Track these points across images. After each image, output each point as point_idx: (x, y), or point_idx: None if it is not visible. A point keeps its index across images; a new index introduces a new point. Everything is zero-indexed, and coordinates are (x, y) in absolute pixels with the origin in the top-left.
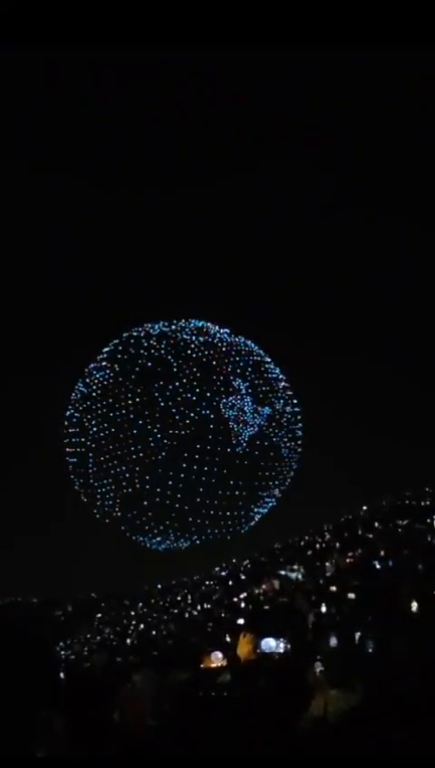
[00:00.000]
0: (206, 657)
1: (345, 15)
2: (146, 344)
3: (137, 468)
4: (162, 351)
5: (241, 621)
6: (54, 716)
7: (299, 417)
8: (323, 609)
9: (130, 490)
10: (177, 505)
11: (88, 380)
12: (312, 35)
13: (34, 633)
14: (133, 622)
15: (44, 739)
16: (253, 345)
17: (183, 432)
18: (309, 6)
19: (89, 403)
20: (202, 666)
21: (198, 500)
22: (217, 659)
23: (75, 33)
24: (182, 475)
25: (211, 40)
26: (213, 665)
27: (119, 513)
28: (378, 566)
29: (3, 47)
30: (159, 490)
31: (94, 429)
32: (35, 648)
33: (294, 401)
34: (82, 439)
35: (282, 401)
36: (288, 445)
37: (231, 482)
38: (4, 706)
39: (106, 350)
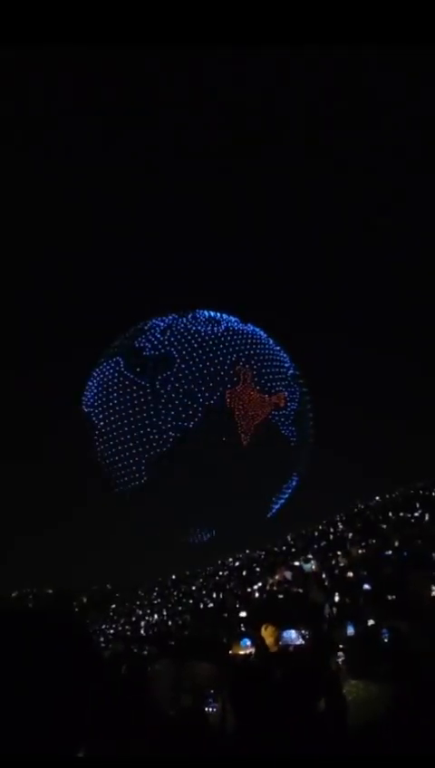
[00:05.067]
0: (235, 644)
1: (345, 15)
2: (152, 337)
3: (143, 461)
4: (167, 343)
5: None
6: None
7: (309, 407)
8: (337, 598)
9: (138, 483)
10: (188, 497)
11: (96, 374)
12: (311, 36)
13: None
14: (148, 611)
15: (85, 736)
16: (262, 333)
17: (188, 423)
18: (308, 6)
19: (97, 398)
20: (230, 652)
21: (210, 491)
22: (246, 647)
23: (76, 34)
24: (191, 467)
25: (211, 41)
26: (241, 652)
27: (130, 497)
28: (391, 556)
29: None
30: (168, 482)
31: (102, 423)
32: (78, 637)
33: (304, 390)
34: (94, 434)
35: (289, 389)
36: (296, 434)
37: (242, 472)
38: (44, 702)
39: (115, 343)
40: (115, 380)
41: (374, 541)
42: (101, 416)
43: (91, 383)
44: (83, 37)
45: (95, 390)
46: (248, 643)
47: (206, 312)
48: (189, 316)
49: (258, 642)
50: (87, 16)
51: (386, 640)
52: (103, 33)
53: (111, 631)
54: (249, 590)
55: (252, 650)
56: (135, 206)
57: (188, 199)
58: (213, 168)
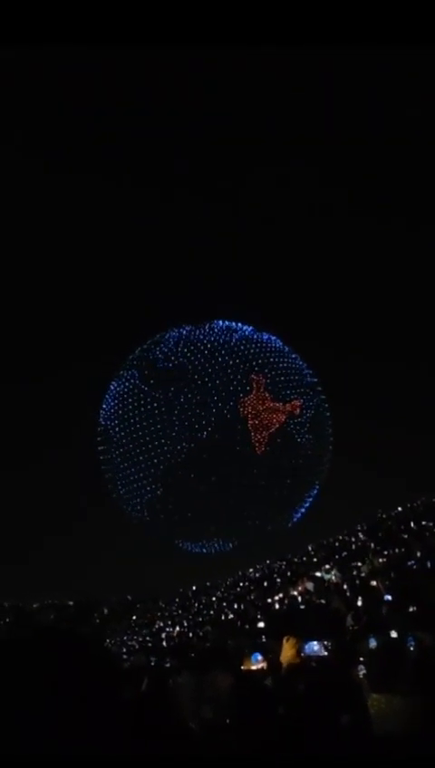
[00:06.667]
0: (245, 660)
1: (345, 15)
2: (165, 348)
3: (158, 473)
4: (180, 354)
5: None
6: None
7: (328, 415)
8: (359, 609)
9: (153, 495)
10: (204, 508)
11: (113, 387)
12: (311, 37)
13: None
14: (169, 622)
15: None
16: (278, 341)
17: (201, 434)
18: (308, 7)
19: (113, 410)
20: (243, 668)
21: (227, 501)
22: (256, 662)
23: (75, 35)
24: (212, 478)
25: (211, 42)
26: (253, 667)
27: (148, 518)
28: (414, 566)
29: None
30: (183, 493)
31: (118, 436)
32: (97, 654)
33: (322, 397)
34: (110, 446)
35: (305, 397)
36: (313, 442)
37: (260, 482)
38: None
39: (132, 356)
40: (130, 393)
41: (396, 551)
42: (117, 428)
43: (108, 396)
44: (85, 39)
45: (112, 403)
46: (260, 658)
47: (221, 322)
48: (206, 327)
49: (271, 656)
50: (87, 17)
51: (411, 649)
52: (104, 35)
53: (132, 643)
54: (269, 600)
55: (263, 665)
56: (158, 218)
57: (207, 208)
58: (230, 175)
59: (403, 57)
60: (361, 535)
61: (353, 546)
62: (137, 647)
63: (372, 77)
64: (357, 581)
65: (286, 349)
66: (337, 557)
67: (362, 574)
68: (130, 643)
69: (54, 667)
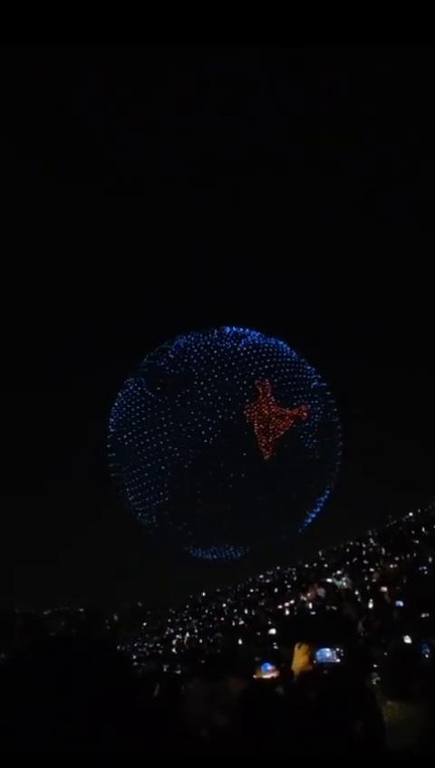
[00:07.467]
0: (257, 669)
1: (346, 15)
2: (172, 355)
3: (165, 479)
4: (187, 361)
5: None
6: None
7: (337, 420)
8: (370, 615)
9: (161, 501)
10: (212, 514)
11: (121, 396)
12: (313, 37)
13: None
14: (180, 629)
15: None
16: (286, 346)
17: (208, 440)
18: (309, 6)
19: (121, 417)
20: (254, 677)
21: (234, 507)
22: (267, 671)
23: (75, 35)
24: (219, 484)
25: (213, 42)
26: (264, 677)
27: (157, 525)
28: (425, 572)
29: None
30: (190, 499)
31: (126, 443)
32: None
33: (331, 402)
34: (118, 454)
35: (313, 402)
36: (320, 446)
37: (269, 488)
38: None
39: (140, 364)
40: (138, 400)
41: (408, 556)
42: (124, 436)
43: (116, 403)
44: (84, 39)
45: (120, 410)
46: (270, 668)
47: (229, 328)
48: (213, 333)
49: (283, 665)
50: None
51: (426, 656)
52: (103, 35)
53: (142, 649)
54: (280, 607)
55: (274, 674)
56: (164, 225)
57: (211, 214)
58: (240, 182)
59: (403, 57)
60: (372, 541)
61: (364, 552)
62: (147, 653)
63: (372, 77)
64: (368, 587)
65: (294, 354)
66: (348, 563)
67: (374, 580)
68: (140, 650)
69: (67, 671)
